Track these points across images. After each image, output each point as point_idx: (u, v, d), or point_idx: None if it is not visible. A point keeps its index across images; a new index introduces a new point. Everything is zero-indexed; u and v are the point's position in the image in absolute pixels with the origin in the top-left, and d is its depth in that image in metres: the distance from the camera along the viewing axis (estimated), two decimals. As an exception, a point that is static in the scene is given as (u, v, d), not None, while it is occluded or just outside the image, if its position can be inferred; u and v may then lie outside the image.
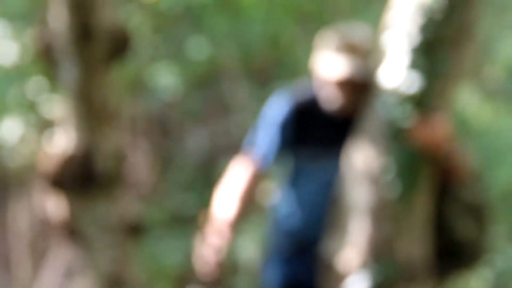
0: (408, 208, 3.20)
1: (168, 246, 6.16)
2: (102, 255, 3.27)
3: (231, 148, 5.14)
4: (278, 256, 3.54)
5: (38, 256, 7.71)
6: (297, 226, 3.50)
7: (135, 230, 3.34)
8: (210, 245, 3.44)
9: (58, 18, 3.16)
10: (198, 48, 6.80)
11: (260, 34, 6.91)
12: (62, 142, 3.31)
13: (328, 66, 3.36)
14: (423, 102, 3.11)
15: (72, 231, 3.30)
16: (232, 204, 3.43)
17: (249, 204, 3.56)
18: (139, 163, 6.28)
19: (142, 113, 6.78)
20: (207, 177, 5.76)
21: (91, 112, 3.18)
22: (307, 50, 4.94)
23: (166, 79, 6.83)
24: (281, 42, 7.05)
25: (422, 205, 3.21)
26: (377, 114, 3.29)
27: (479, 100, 7.01)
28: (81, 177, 3.24)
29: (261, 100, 5.12)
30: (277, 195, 3.72)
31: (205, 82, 7.14)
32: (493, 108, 7.38)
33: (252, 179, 3.40)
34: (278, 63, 7.02)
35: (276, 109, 3.55)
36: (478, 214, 3.43)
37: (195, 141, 7.04)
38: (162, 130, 7.39)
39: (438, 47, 3.18)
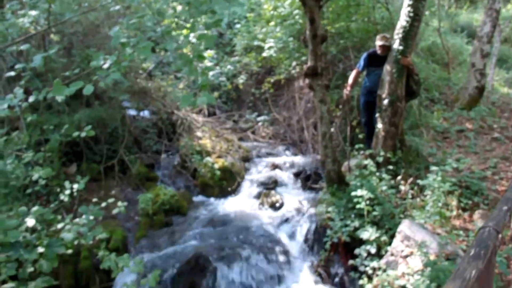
0: (399, 80, 6.32)
1: (332, 93, 8.52)
2: (334, 94, 6.41)
3: (352, 68, 7.51)
4: (363, 93, 7.04)
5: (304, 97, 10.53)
6: (368, 86, 6.86)
7: (327, 87, 6.55)
8: (346, 90, 6.88)
9: (307, 32, 6.02)
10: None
11: (358, 39, 9.69)
12: (309, 63, 6.26)
13: (378, 42, 6.58)
14: (403, 53, 6.22)
15: (311, 87, 6.44)
16: (351, 79, 6.87)
17: (356, 80, 6.98)
18: (326, 70, 9.75)
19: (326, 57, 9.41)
20: (346, 76, 7.93)
21: (315, 56, 6.12)
22: (373, 42, 7.82)
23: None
24: (367, 43, 9.57)
25: (403, 80, 6.35)
26: (392, 55, 6.37)
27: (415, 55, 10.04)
28: (313, 72, 6.24)
29: (359, 56, 7.79)
30: (364, 78, 7.02)
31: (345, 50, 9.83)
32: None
33: (356, 74, 6.89)
34: (364, 47, 9.41)
35: (363, 55, 6.86)
36: (417, 83, 6.52)
37: (343, 65, 9.54)
38: (330, 62, 9.88)
39: (407, 38, 6.19)
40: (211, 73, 9.97)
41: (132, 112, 9.50)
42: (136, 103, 9.21)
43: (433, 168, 5.75)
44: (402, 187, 5.98)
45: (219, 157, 8.50)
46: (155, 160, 8.80)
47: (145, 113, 9.71)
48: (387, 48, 6.53)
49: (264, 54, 10.73)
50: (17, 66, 3.55)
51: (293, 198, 7.52)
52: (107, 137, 8.02)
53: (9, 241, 2.59)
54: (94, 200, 4.68)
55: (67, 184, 3.47)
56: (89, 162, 7.70)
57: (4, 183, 5.97)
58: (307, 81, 7.13)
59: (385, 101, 6.39)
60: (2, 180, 6.04)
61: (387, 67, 6.42)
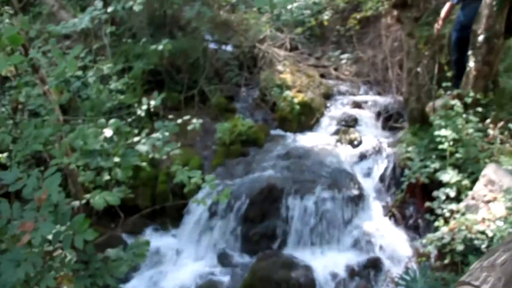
0: (499, 14, 5.82)
1: (422, 30, 7.96)
2: (424, 31, 6.08)
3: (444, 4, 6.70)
4: (455, 28, 6.61)
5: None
6: (463, 20, 6.41)
7: (416, 20, 6.12)
8: (437, 25, 6.53)
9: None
10: None
11: None
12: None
13: None
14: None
15: (399, 19, 6.14)
16: (444, 13, 6.44)
17: (448, 15, 6.53)
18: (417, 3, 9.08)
19: None
20: (438, 13, 7.06)
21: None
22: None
23: None
24: None
25: (503, 14, 5.85)
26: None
27: None
28: (402, 3, 5.87)
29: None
30: (458, 12, 6.54)
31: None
32: None
33: (450, 7, 6.42)
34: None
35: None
36: None
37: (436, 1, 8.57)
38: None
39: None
40: (294, 4, 9.67)
41: (214, 45, 9.57)
42: (218, 35, 9.21)
43: (529, 112, 5.17)
44: (490, 131, 5.61)
45: (299, 91, 8.38)
46: (235, 92, 8.90)
47: (228, 47, 9.73)
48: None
49: (350, -12, 10.11)
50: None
51: (373, 137, 7.38)
52: (189, 67, 8.16)
53: (88, 148, 2.70)
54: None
55: (144, 99, 3.56)
56: (170, 91, 7.91)
57: (90, 107, 6.29)
58: (395, 13, 6.89)
59: (480, 37, 5.90)
60: (88, 104, 6.38)
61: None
